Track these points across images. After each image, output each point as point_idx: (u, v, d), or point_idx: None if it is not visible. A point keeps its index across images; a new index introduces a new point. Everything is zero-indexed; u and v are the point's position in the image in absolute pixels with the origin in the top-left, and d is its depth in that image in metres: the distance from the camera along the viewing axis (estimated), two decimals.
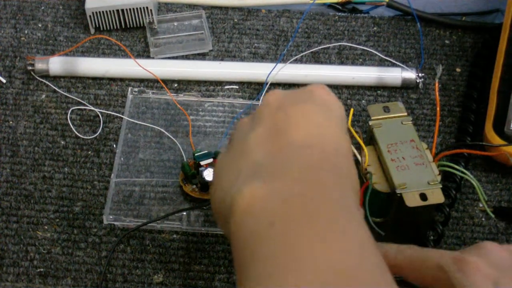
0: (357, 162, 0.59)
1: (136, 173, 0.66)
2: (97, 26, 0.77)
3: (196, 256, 0.61)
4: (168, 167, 0.66)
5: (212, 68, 0.74)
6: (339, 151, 0.46)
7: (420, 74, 0.72)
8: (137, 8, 0.76)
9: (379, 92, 0.73)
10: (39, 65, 0.72)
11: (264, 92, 0.71)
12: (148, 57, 0.75)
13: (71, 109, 0.70)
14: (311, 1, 0.79)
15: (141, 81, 0.73)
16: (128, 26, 0.77)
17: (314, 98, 0.48)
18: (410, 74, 0.72)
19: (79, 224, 0.62)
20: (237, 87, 0.73)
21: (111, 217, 0.62)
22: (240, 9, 0.80)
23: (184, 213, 0.63)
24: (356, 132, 0.58)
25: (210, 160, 0.63)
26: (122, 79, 0.73)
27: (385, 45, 0.77)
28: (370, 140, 0.60)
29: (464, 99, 0.72)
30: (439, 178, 0.56)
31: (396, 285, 0.38)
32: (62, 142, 0.68)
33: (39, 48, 0.76)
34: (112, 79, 0.73)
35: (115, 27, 0.77)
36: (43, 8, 0.79)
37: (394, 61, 0.75)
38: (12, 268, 0.60)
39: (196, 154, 0.64)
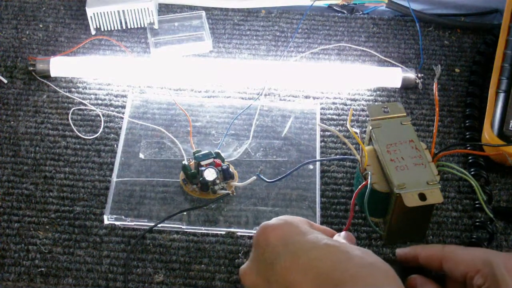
0: (356, 162, 0.59)
1: (136, 173, 0.66)
2: (98, 26, 0.77)
3: (197, 256, 0.61)
4: (168, 167, 0.66)
5: (212, 68, 0.74)
6: None
7: (419, 75, 0.73)
8: (137, 9, 0.76)
9: (378, 92, 0.73)
10: (40, 66, 0.73)
11: (264, 92, 0.72)
12: (149, 57, 0.75)
13: (72, 109, 0.71)
14: (311, 2, 0.79)
15: (141, 81, 0.73)
16: (129, 27, 0.78)
17: None
18: (410, 75, 0.73)
19: (80, 224, 0.63)
20: (237, 87, 0.73)
21: (112, 217, 0.63)
22: (240, 10, 0.80)
23: (185, 213, 0.63)
24: (356, 132, 0.59)
25: (210, 160, 0.64)
26: (122, 80, 0.73)
27: (385, 45, 0.77)
28: (370, 140, 0.60)
29: (467, 97, 0.72)
30: (438, 178, 0.56)
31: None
32: (63, 142, 0.68)
33: (40, 49, 0.76)
34: (113, 80, 0.73)
35: (115, 28, 0.77)
36: (44, 9, 0.80)
37: (393, 62, 0.75)
38: (13, 268, 0.60)
39: (196, 154, 0.64)
